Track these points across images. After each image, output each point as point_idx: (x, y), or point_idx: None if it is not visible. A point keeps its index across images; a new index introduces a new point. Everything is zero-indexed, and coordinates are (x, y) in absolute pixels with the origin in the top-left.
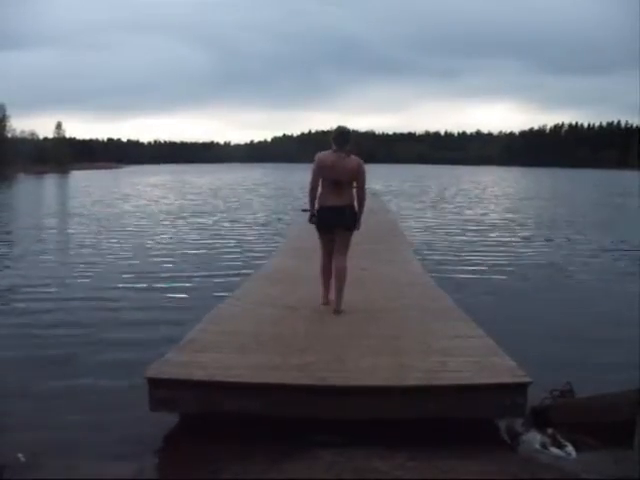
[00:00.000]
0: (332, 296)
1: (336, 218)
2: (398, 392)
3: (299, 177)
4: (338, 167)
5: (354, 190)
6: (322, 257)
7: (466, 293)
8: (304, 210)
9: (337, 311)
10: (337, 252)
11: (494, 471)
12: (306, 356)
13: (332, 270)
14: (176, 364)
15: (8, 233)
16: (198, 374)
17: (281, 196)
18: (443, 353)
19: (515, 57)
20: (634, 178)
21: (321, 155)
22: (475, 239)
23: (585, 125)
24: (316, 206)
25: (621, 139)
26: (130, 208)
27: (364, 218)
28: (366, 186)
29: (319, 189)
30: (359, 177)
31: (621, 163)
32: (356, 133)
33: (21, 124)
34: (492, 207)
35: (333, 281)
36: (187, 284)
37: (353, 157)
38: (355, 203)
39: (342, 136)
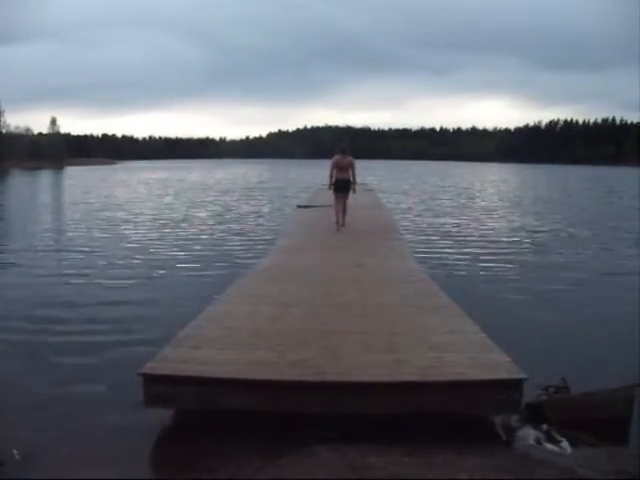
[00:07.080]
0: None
1: (342, 185)
2: (394, 388)
3: (295, 174)
4: (342, 162)
5: (350, 172)
6: (335, 205)
7: (462, 289)
8: (299, 206)
9: (343, 226)
10: (343, 201)
11: (490, 467)
12: (302, 352)
13: (340, 208)
14: (172, 360)
15: None
16: (194, 370)
17: (277, 196)
18: (439, 349)
19: (510, 53)
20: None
21: (335, 157)
22: (471, 235)
23: (580, 121)
24: (333, 180)
25: (616, 135)
26: (116, 208)
27: (362, 214)
28: (357, 172)
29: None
30: (352, 167)
31: (616, 159)
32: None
33: (15, 119)
34: (486, 203)
35: (341, 214)
36: (181, 282)
37: (349, 157)
38: (351, 179)
39: (342, 148)
